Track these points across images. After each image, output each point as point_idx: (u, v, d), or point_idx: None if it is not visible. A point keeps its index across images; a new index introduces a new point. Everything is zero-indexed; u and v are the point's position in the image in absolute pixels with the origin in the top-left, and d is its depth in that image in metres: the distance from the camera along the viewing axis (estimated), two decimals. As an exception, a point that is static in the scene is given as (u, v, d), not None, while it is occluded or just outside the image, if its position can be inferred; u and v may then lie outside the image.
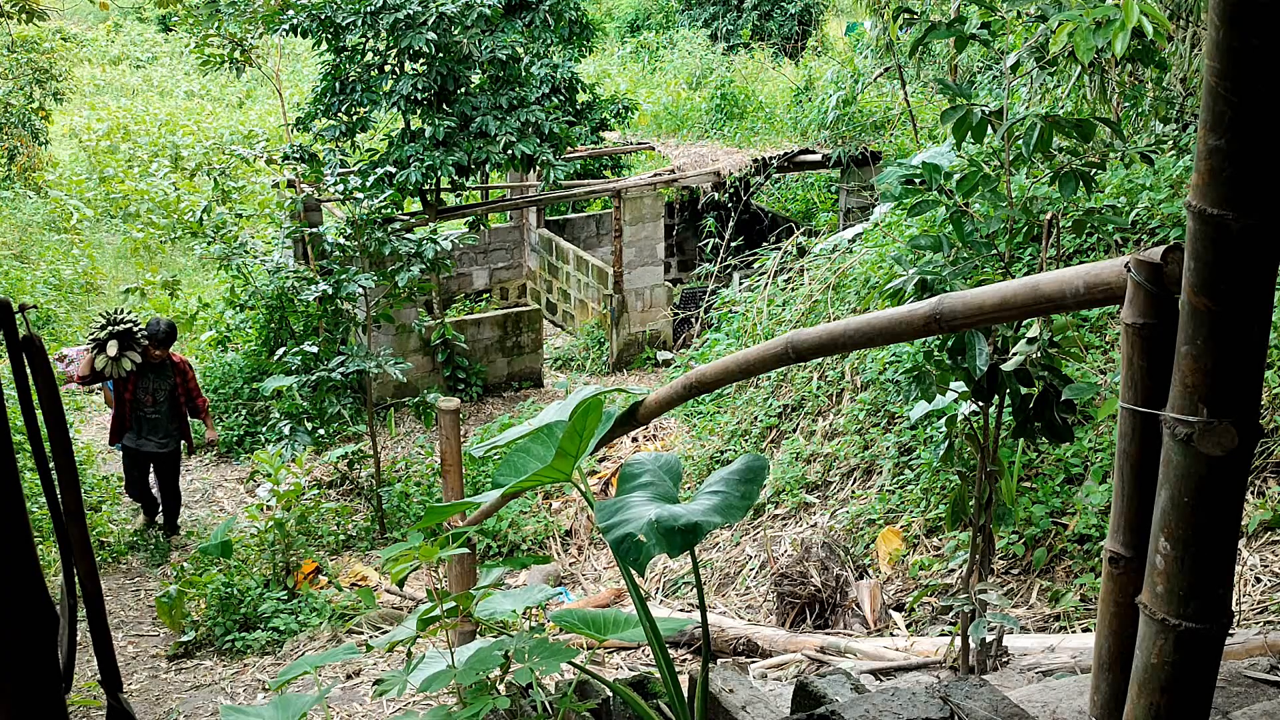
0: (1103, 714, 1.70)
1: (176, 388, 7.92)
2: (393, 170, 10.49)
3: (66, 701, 1.58)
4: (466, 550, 3.14)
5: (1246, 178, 1.33)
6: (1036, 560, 5.14)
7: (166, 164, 17.57)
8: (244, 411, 10.52)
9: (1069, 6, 3.73)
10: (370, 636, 6.28)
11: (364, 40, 10.90)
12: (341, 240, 8.61)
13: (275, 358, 9.09)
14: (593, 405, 2.39)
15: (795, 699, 2.83)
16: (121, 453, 8.25)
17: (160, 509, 8.38)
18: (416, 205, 12.20)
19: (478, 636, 3.40)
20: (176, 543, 8.31)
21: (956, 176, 3.44)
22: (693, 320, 11.74)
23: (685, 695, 2.48)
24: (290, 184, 10.82)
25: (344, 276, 8.26)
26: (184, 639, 6.55)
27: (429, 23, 10.38)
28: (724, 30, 25.02)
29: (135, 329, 7.62)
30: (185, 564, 7.33)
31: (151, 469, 8.23)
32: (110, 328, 7.58)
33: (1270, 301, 1.41)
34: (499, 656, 2.34)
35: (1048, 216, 3.42)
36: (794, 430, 7.46)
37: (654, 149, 14.91)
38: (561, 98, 13.12)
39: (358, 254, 8.57)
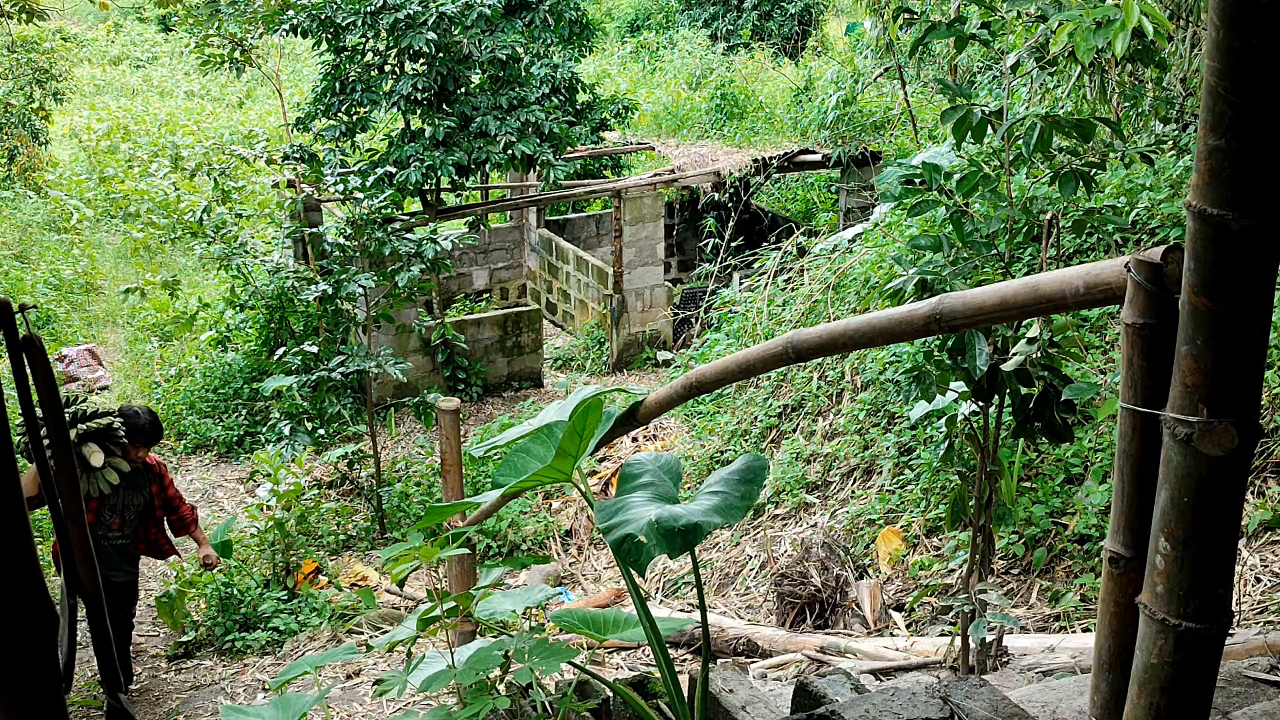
0: (1103, 714, 1.70)
1: (153, 499, 5.79)
2: (393, 170, 10.49)
3: (66, 701, 1.58)
4: (466, 550, 3.14)
5: (1246, 178, 1.33)
6: (1036, 560, 5.14)
7: (166, 164, 17.58)
8: (244, 411, 10.53)
9: (1069, 6, 3.73)
10: (370, 636, 6.28)
11: (364, 40, 10.91)
12: (341, 240, 8.61)
13: (275, 358, 9.09)
14: (593, 405, 2.39)
15: (795, 699, 2.83)
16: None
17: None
18: (416, 205, 12.20)
19: (478, 636, 3.40)
20: (177, 545, 8.28)
21: (956, 176, 3.44)
22: (693, 320, 11.74)
23: (685, 695, 2.48)
24: (290, 184, 10.83)
25: (344, 276, 8.26)
26: (184, 639, 6.55)
27: (429, 23, 10.38)
28: (724, 30, 25.03)
29: (113, 424, 5.40)
30: (185, 564, 7.32)
31: None
32: (80, 424, 5.28)
33: (1270, 301, 1.41)
34: (499, 656, 2.34)
35: (1048, 216, 3.42)
36: (794, 430, 7.46)
37: (654, 149, 14.92)
38: (561, 98, 13.13)
39: (358, 254, 8.57)
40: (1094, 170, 3.48)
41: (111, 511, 5.63)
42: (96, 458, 5.29)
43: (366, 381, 8.55)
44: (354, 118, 10.98)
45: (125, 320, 13.50)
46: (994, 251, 3.51)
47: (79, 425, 5.28)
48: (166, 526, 6.00)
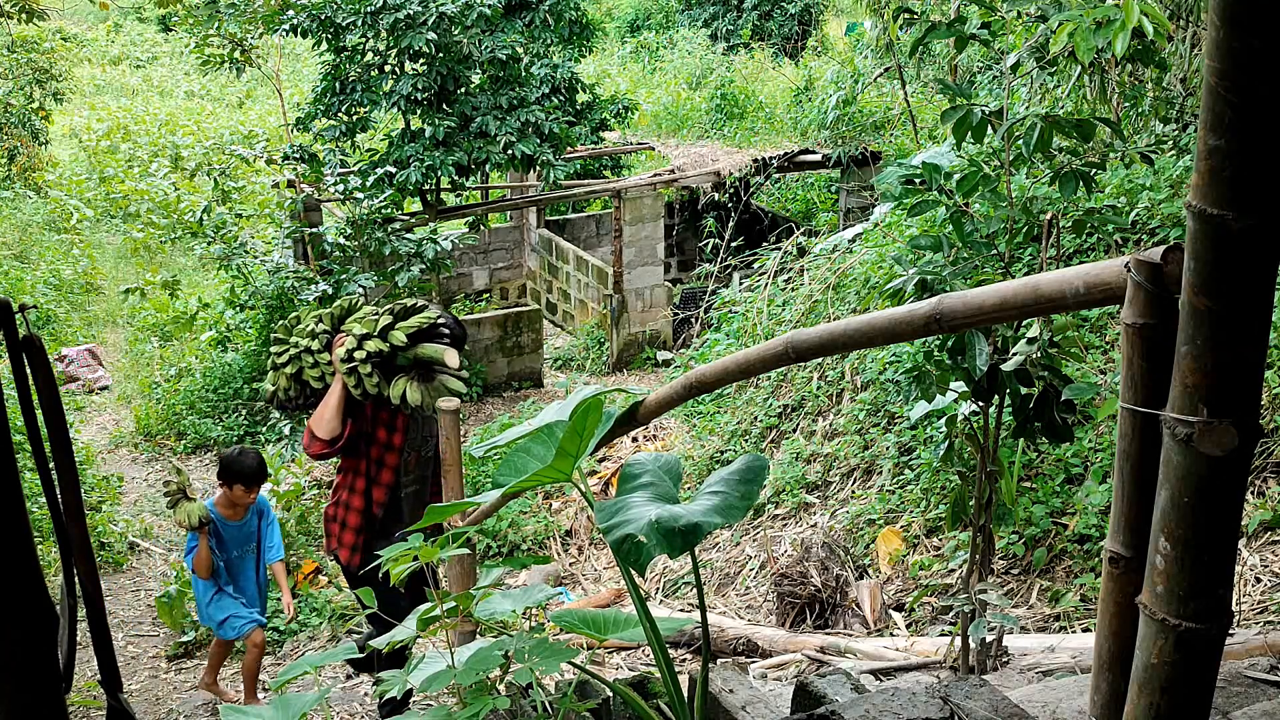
0: (1103, 714, 1.70)
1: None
2: (393, 170, 10.49)
3: (66, 701, 1.58)
4: (466, 550, 3.13)
5: (1246, 178, 1.33)
6: (1036, 560, 5.13)
7: (166, 164, 17.57)
8: (244, 411, 10.53)
9: (1069, 6, 3.73)
10: (370, 636, 6.28)
11: (364, 40, 10.91)
12: (341, 240, 8.62)
13: (275, 358, 9.08)
14: (593, 405, 2.38)
15: (795, 699, 2.83)
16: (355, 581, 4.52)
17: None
18: (416, 205, 12.20)
19: (478, 636, 3.40)
20: (176, 544, 8.29)
21: (956, 176, 3.44)
22: (693, 320, 11.74)
23: (685, 695, 2.48)
24: (290, 184, 10.83)
25: (344, 276, 8.27)
26: (184, 639, 6.55)
27: (429, 23, 10.38)
28: (724, 30, 25.03)
29: (438, 321, 4.26)
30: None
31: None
32: (403, 320, 4.17)
33: (1270, 301, 1.41)
34: (499, 656, 2.33)
35: (1048, 216, 3.42)
36: (794, 430, 7.46)
37: (654, 149, 14.92)
38: (561, 98, 13.13)
39: (358, 254, 8.58)
40: (1094, 170, 3.48)
41: (412, 447, 4.39)
42: (451, 356, 4.07)
43: (366, 381, 8.54)
44: (354, 118, 10.98)
45: (125, 320, 13.50)
46: (994, 251, 3.51)
47: (399, 323, 4.15)
48: None
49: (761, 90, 19.04)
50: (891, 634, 5.20)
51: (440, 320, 4.25)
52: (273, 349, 4.40)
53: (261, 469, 5.03)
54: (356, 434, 4.24)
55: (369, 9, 10.41)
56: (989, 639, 3.79)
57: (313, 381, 4.24)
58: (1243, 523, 4.32)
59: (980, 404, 3.45)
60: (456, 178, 11.02)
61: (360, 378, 4.06)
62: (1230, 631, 2.04)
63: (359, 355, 4.04)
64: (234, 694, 5.52)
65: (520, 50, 11.62)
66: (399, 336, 4.07)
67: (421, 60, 10.83)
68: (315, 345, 4.24)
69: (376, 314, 4.19)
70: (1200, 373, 1.42)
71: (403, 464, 4.37)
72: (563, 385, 11.77)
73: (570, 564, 7.63)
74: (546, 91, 12.85)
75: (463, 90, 11.18)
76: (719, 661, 4.93)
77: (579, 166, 13.86)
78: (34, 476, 6.05)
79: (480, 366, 11.84)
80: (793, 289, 8.86)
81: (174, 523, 4.82)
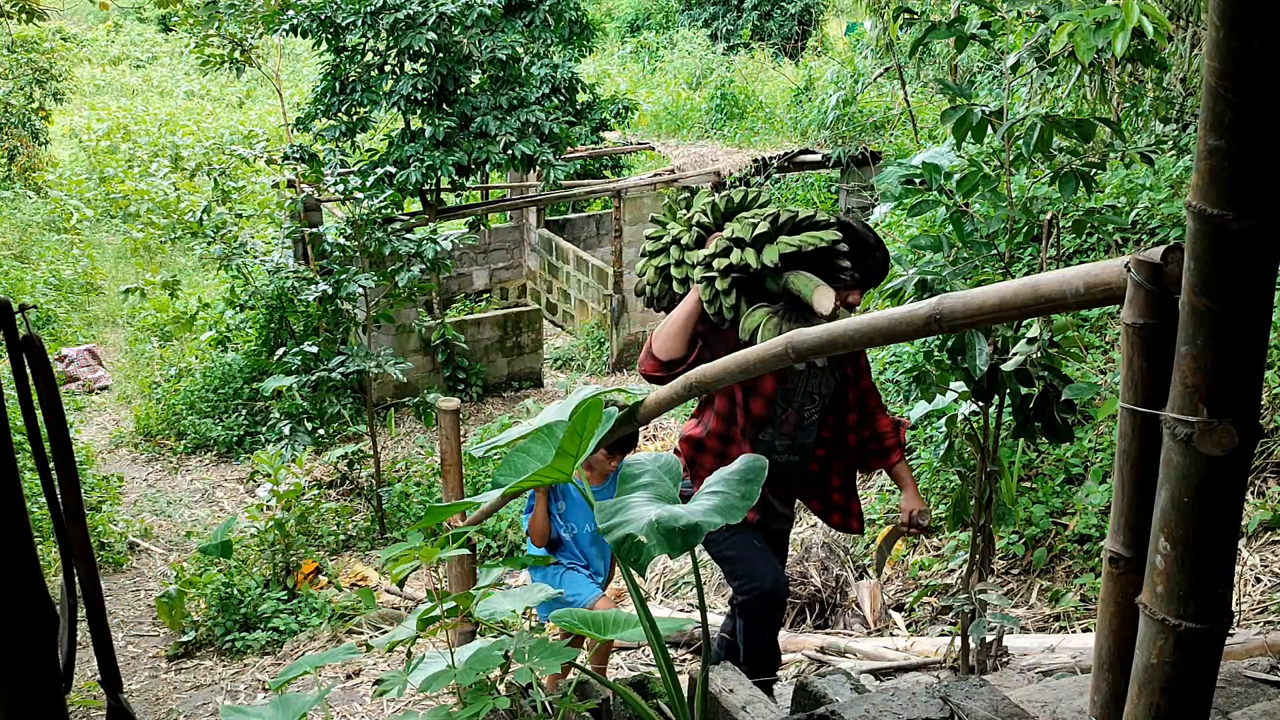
0: (1103, 714, 1.70)
1: (847, 386, 3.49)
2: (393, 170, 10.49)
3: (66, 701, 1.58)
4: (466, 550, 3.13)
5: (1246, 178, 1.33)
6: (1036, 560, 5.14)
7: (166, 164, 17.57)
8: (244, 411, 10.53)
9: (1069, 6, 3.73)
10: (370, 636, 6.28)
11: (364, 40, 10.91)
12: (341, 240, 8.61)
13: (275, 358, 9.09)
14: (593, 405, 2.38)
15: (795, 699, 2.83)
16: (735, 550, 3.48)
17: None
18: (416, 205, 12.20)
19: (478, 636, 3.40)
20: (176, 544, 8.29)
21: (956, 176, 3.44)
22: (693, 320, 11.72)
23: (685, 695, 2.48)
24: (290, 184, 10.83)
25: (344, 276, 8.27)
26: (184, 639, 6.55)
27: (429, 23, 10.39)
28: (724, 30, 25.04)
29: (837, 243, 3.20)
30: (185, 564, 7.33)
31: None
32: (786, 236, 3.11)
33: (1270, 301, 1.41)
34: (499, 656, 2.33)
35: (1048, 216, 3.42)
36: (794, 430, 7.45)
37: (654, 149, 14.92)
38: (561, 98, 13.14)
39: (358, 254, 8.57)
40: (1094, 170, 3.48)
41: (788, 402, 3.35)
42: (823, 297, 3.00)
43: (366, 381, 8.55)
44: (354, 118, 10.99)
45: (125, 320, 13.50)
46: (994, 251, 3.51)
47: (781, 236, 3.11)
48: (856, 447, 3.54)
49: (761, 90, 19.05)
50: (891, 634, 5.20)
51: (842, 245, 3.15)
52: (648, 232, 3.55)
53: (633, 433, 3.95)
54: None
55: (369, 9, 10.42)
56: (989, 639, 3.79)
57: (675, 284, 3.35)
58: (1243, 523, 4.32)
59: (980, 404, 3.45)
60: (456, 178, 11.02)
61: (718, 294, 3.13)
62: (1230, 631, 2.05)
63: (718, 265, 3.13)
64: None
65: (520, 50, 11.62)
66: (771, 255, 3.06)
67: (421, 60, 10.84)
68: (686, 239, 3.34)
69: (763, 217, 3.14)
70: (1200, 373, 1.42)
71: (773, 420, 3.32)
72: (563, 385, 11.77)
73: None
74: (546, 91, 12.86)
75: (463, 90, 11.19)
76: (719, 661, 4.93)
77: (579, 166, 13.86)
78: (34, 476, 6.03)
79: (480, 366, 11.84)
80: (793, 289, 8.85)
81: None
